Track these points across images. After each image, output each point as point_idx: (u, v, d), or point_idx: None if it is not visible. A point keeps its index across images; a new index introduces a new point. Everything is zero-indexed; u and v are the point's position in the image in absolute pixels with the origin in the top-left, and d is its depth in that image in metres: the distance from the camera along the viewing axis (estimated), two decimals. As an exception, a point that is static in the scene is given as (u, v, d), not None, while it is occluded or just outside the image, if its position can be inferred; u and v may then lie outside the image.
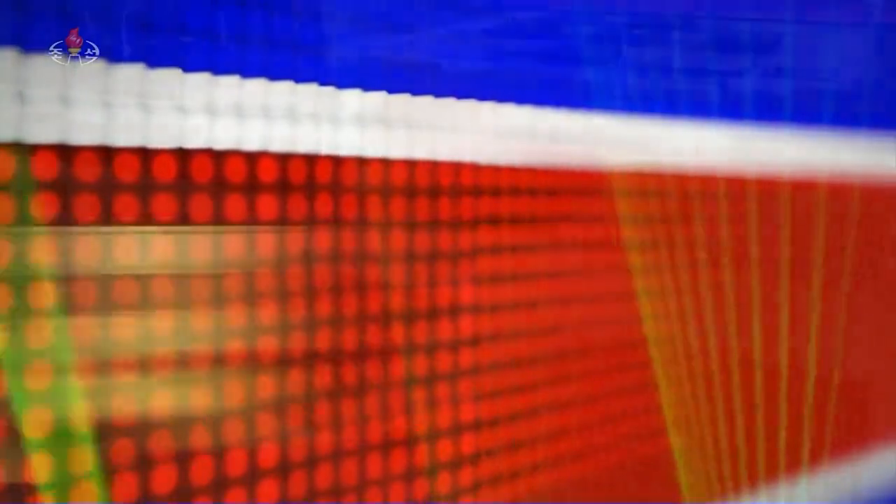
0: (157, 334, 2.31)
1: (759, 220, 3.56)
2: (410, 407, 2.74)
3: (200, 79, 2.37)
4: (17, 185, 2.09)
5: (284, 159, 2.51)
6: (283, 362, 2.51)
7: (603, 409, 3.28)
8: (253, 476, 2.42)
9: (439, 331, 2.82)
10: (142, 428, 2.25)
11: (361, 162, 2.66)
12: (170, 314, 2.33)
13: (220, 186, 2.39)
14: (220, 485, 2.34)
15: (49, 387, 2.12)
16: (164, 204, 2.30)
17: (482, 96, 2.93)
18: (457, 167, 2.86)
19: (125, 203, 2.24)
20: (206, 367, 2.38)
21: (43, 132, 2.12)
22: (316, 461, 2.53)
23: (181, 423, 2.32)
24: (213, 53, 2.39)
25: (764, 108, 3.51)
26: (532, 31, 3.15)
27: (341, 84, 2.61)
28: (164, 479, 2.25)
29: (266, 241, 2.49)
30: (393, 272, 2.72)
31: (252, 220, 2.46)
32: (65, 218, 2.15)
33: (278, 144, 2.49)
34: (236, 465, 2.40)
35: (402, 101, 2.73)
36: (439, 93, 2.82)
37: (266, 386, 2.48)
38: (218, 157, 2.39)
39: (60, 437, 2.12)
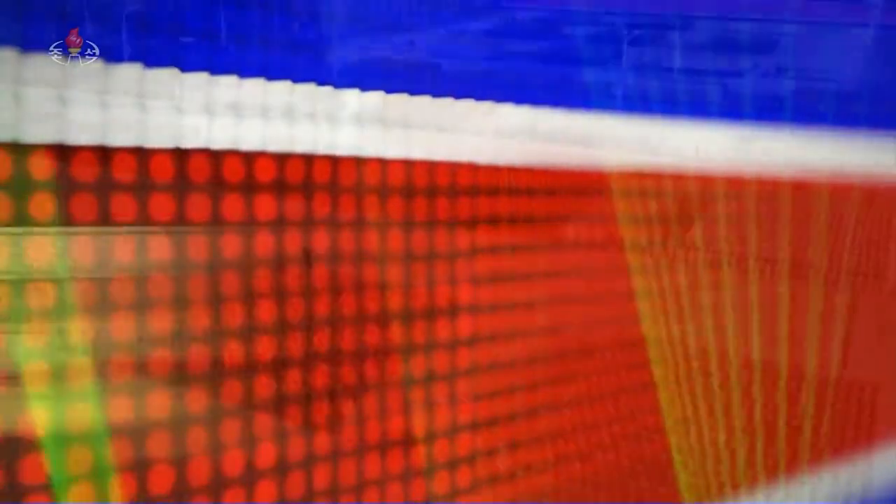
0: (158, 334, 2.31)
1: (759, 220, 3.56)
2: (408, 407, 2.74)
3: (198, 79, 2.37)
4: (14, 185, 2.09)
5: (282, 159, 2.51)
6: (282, 362, 2.51)
7: (603, 409, 3.28)
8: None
9: (437, 331, 2.82)
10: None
11: (359, 162, 2.66)
12: (168, 313, 2.33)
13: (217, 186, 2.39)
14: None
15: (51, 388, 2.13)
16: (161, 204, 2.30)
17: (481, 96, 2.93)
18: (455, 167, 2.86)
19: (123, 203, 2.24)
20: (204, 368, 2.38)
21: (41, 131, 2.13)
22: (314, 461, 2.53)
23: (179, 424, 2.32)
24: (210, 53, 2.39)
25: (764, 109, 3.50)
26: (532, 31, 3.15)
27: (339, 84, 2.61)
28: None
29: (264, 241, 2.49)
30: (391, 272, 2.72)
31: (250, 219, 2.46)
32: (63, 217, 2.15)
33: (276, 144, 2.50)
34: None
35: (401, 100, 2.74)
36: (438, 93, 2.82)
37: (265, 386, 2.48)
38: (216, 156, 2.39)
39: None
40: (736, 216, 3.52)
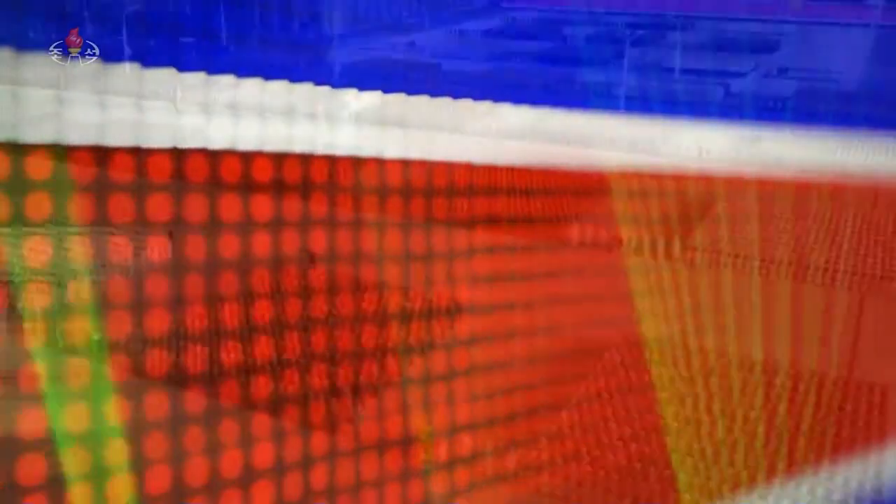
0: (156, 333, 2.32)
1: (758, 220, 3.56)
2: (406, 407, 2.74)
3: (196, 78, 2.37)
4: (14, 184, 2.10)
5: (280, 158, 2.51)
6: (279, 362, 2.51)
7: (603, 409, 3.28)
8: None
9: (435, 329, 2.82)
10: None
11: (357, 161, 2.66)
12: (167, 313, 2.34)
13: (215, 185, 2.40)
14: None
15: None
16: (159, 203, 2.31)
17: (480, 96, 2.93)
18: (453, 167, 2.86)
19: (120, 202, 2.24)
20: (203, 368, 2.39)
21: (40, 131, 2.13)
22: (312, 462, 2.54)
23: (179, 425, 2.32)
24: (208, 53, 2.40)
25: (764, 109, 3.50)
26: (532, 31, 3.15)
27: (337, 84, 2.61)
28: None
29: (261, 240, 2.49)
30: (388, 271, 2.72)
31: (247, 218, 2.46)
32: (61, 217, 2.15)
33: (274, 144, 2.50)
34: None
35: (399, 100, 2.74)
36: (438, 93, 2.82)
37: (263, 386, 2.48)
38: (213, 156, 2.39)
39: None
40: (736, 216, 3.52)
